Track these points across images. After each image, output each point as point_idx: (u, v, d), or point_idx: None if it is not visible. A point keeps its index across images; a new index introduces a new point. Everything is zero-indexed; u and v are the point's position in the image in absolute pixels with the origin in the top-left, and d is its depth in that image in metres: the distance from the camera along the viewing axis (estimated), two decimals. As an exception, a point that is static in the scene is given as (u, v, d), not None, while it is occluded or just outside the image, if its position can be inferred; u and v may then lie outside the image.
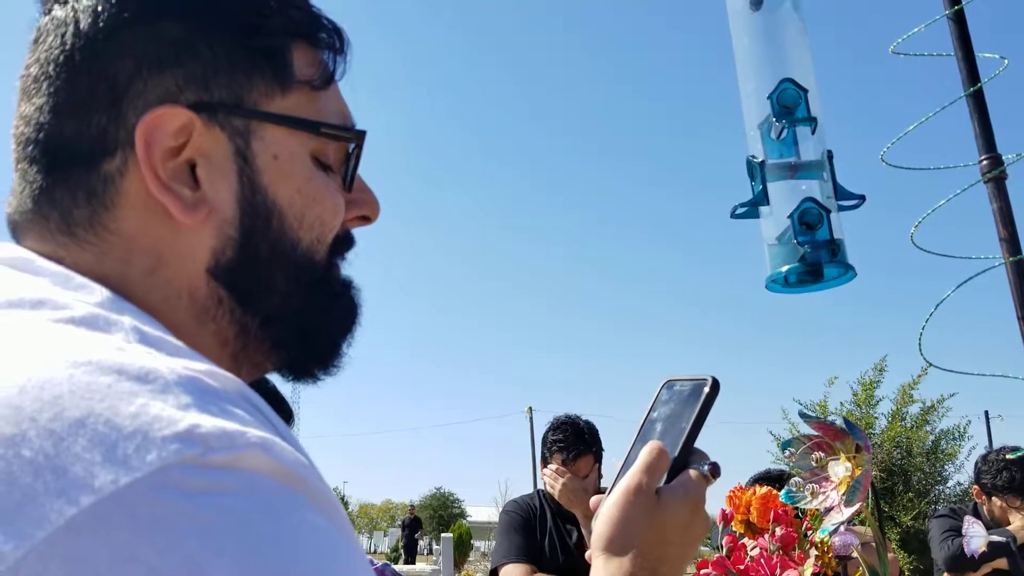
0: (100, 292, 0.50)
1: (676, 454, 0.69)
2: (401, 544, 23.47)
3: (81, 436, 0.37)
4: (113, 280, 0.52)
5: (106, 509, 0.35)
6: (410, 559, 21.74)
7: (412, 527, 22.88)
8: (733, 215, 1.23)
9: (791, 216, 1.18)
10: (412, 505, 24.68)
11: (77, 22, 0.54)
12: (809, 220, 1.17)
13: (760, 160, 1.22)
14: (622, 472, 0.70)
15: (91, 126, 0.53)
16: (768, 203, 1.21)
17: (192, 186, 0.54)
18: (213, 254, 0.54)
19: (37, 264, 0.52)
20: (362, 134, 0.61)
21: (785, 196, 1.21)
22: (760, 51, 1.28)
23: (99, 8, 0.54)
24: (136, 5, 0.54)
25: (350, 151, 0.61)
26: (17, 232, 0.56)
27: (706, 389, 0.71)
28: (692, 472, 0.69)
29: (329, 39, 0.60)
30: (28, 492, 0.36)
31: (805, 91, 1.21)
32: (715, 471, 0.69)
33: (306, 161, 0.58)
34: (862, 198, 1.23)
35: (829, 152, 1.23)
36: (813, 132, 1.22)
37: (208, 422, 0.39)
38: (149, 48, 0.53)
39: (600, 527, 0.67)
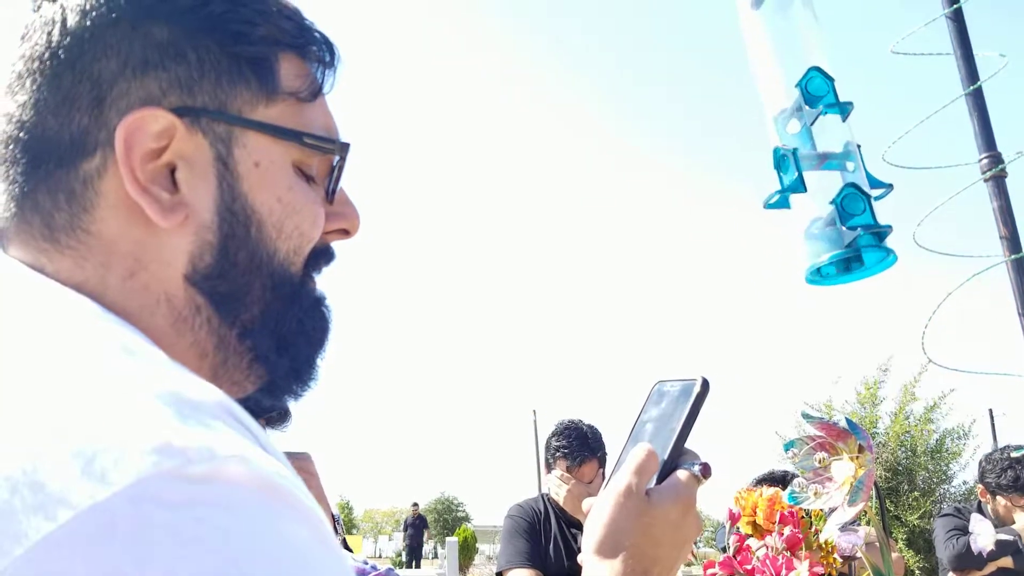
0: (80, 302, 0.49)
1: (666, 455, 0.69)
2: (404, 546, 22.45)
3: (59, 450, 0.36)
4: (92, 285, 0.52)
5: (84, 523, 0.34)
6: (414, 563, 20.92)
7: (416, 527, 21.44)
8: (766, 206, 1.22)
9: (834, 202, 1.16)
10: (415, 504, 23.53)
11: (64, 20, 0.53)
12: (850, 206, 1.16)
13: (793, 148, 1.21)
14: (612, 474, 0.70)
15: (72, 124, 0.53)
16: (805, 191, 1.20)
17: (171, 189, 0.53)
18: (191, 259, 0.54)
19: (18, 274, 0.52)
20: (346, 147, 0.60)
21: (817, 185, 1.20)
22: (778, 42, 1.28)
23: (87, 7, 0.53)
24: (125, 6, 0.54)
25: (334, 163, 0.61)
26: (2, 240, 0.56)
27: (696, 389, 0.70)
28: (682, 473, 0.68)
29: (319, 52, 0.60)
30: (5, 508, 0.35)
31: (832, 79, 1.20)
32: (706, 472, 0.68)
33: (288, 171, 0.58)
34: (890, 186, 1.22)
35: (857, 143, 1.23)
36: (845, 119, 1.21)
37: (187, 434, 0.38)
38: (135, 50, 0.53)
39: (590, 529, 0.67)
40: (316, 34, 0.60)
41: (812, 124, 1.21)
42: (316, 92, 0.60)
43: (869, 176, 1.21)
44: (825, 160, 1.21)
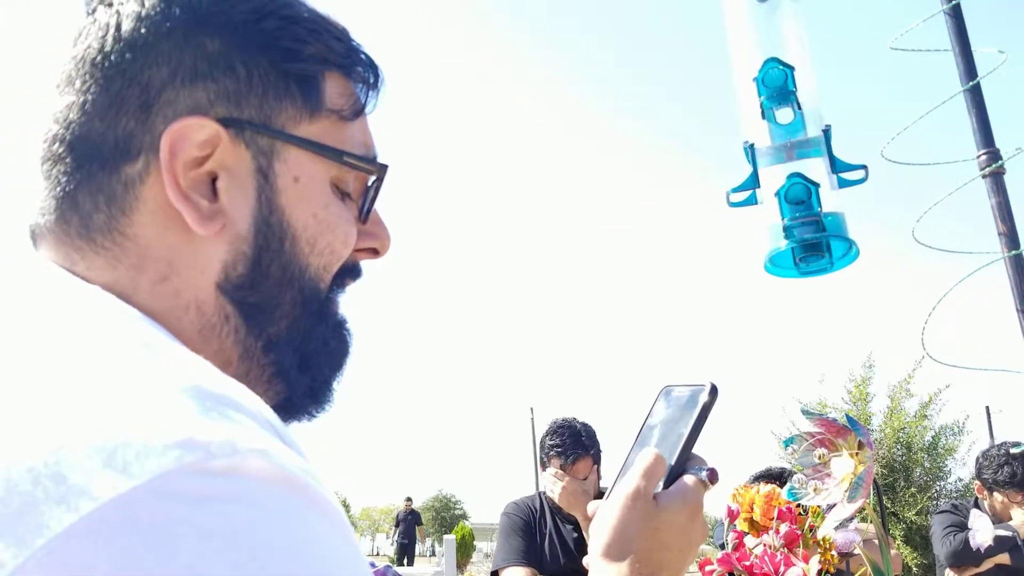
0: (107, 300, 0.50)
1: (674, 460, 0.69)
2: (395, 543, 21.54)
3: (82, 443, 0.37)
4: (122, 286, 0.53)
5: (105, 516, 0.35)
6: (407, 560, 19.88)
7: (408, 522, 20.64)
8: (729, 203, 1.22)
9: (777, 194, 1.15)
10: (409, 499, 21.94)
11: (119, 26, 0.54)
12: (796, 196, 1.14)
13: (751, 143, 1.20)
14: (619, 478, 0.70)
15: (118, 128, 0.53)
16: (759, 185, 1.19)
17: (210, 198, 0.54)
18: (224, 268, 0.55)
19: (48, 274, 0.52)
20: (384, 167, 0.62)
21: (781, 178, 1.18)
22: (754, 36, 1.26)
23: (143, 14, 0.55)
24: (180, 16, 0.55)
25: (370, 183, 0.62)
26: (35, 237, 0.57)
27: (704, 396, 0.70)
28: (689, 478, 0.68)
29: (364, 73, 0.62)
30: (27, 499, 0.35)
31: (791, 68, 1.18)
32: (713, 477, 0.68)
33: (325, 187, 0.59)
34: (864, 167, 1.19)
35: (826, 127, 1.20)
36: (799, 108, 1.18)
37: (209, 428, 0.38)
38: (186, 59, 0.54)
39: (597, 532, 0.67)
40: (362, 55, 0.62)
41: (763, 116, 1.19)
42: (358, 111, 0.62)
43: (838, 161, 1.18)
44: (794, 150, 1.18)
